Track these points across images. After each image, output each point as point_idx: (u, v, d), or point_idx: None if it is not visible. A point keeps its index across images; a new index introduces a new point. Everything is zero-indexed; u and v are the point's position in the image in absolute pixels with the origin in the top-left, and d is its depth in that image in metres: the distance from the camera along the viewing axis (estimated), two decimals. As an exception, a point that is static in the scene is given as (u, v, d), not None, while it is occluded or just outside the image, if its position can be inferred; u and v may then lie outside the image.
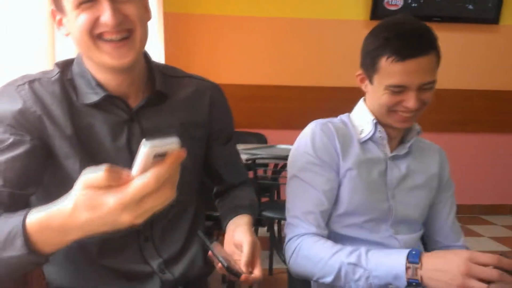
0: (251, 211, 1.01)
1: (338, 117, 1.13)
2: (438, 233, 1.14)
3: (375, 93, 1.00)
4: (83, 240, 0.86)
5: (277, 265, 2.50)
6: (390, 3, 3.24)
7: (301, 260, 0.99)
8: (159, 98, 0.92)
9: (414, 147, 1.09)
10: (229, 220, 0.97)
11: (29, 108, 0.82)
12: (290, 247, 1.02)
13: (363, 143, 1.06)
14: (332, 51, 3.35)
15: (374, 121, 1.05)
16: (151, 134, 0.89)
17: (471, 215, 3.72)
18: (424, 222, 1.13)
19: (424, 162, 1.10)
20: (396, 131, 1.06)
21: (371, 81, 1.01)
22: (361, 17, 3.31)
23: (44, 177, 0.84)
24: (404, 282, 0.85)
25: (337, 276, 0.92)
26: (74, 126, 0.84)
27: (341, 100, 3.35)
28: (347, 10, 3.32)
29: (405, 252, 0.87)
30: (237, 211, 0.99)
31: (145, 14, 0.86)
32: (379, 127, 1.05)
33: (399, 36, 0.94)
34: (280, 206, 2.41)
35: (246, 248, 0.81)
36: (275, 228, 2.68)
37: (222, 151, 1.06)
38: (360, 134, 1.07)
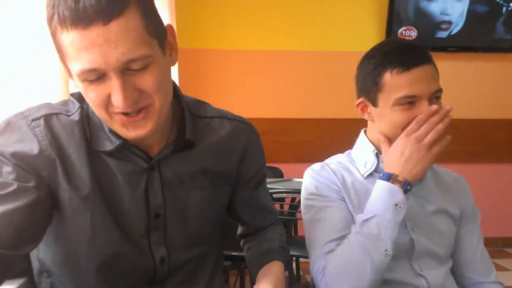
0: (282, 255, 0.93)
1: (334, 158, 1.10)
2: (467, 268, 1.05)
3: (383, 115, 0.95)
4: None
5: (296, 306, 2.38)
6: (404, 34, 3.23)
7: (331, 270, 0.91)
8: (186, 145, 0.82)
9: (428, 174, 1.03)
10: (259, 270, 0.89)
11: (44, 151, 0.72)
12: (315, 278, 0.95)
13: (369, 176, 1.01)
14: (346, 83, 3.30)
15: (375, 151, 1.01)
16: (171, 184, 0.81)
17: (494, 248, 3.55)
18: (451, 256, 1.04)
19: (441, 188, 1.04)
20: None
21: (375, 104, 0.96)
22: (375, 49, 3.31)
23: (44, 233, 0.74)
24: (400, 191, 0.89)
25: (364, 249, 0.87)
26: (89, 175, 0.74)
27: (356, 132, 3.31)
28: (361, 42, 3.31)
29: (377, 182, 0.92)
30: (266, 258, 0.91)
31: (167, 74, 0.73)
32: (381, 158, 0.99)
33: (398, 49, 0.93)
34: (297, 242, 2.32)
35: None
36: (294, 266, 2.57)
37: (250, 197, 0.96)
38: (364, 167, 1.02)
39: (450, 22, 3.23)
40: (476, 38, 3.30)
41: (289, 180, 2.64)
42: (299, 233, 2.75)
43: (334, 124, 3.33)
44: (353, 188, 1.01)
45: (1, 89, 1.29)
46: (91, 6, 0.61)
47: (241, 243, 1.04)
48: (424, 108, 0.89)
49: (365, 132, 1.08)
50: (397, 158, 0.90)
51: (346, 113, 3.32)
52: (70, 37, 0.63)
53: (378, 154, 1.01)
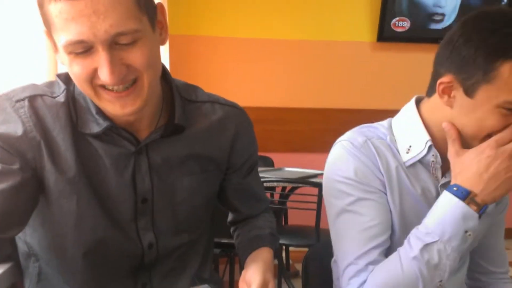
0: (272, 242, 0.92)
1: (373, 128, 0.89)
2: (484, 256, 0.97)
3: (476, 111, 0.75)
4: (77, 286, 0.79)
5: (285, 294, 2.40)
6: (397, 24, 3.22)
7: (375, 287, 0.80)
8: (175, 130, 0.80)
9: None
10: (248, 256, 0.88)
11: (28, 133, 0.70)
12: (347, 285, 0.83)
13: (410, 166, 0.84)
14: (339, 72, 3.32)
15: (429, 143, 0.82)
16: (159, 168, 0.80)
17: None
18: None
19: None
20: None
21: (470, 93, 0.74)
22: (368, 39, 3.28)
23: (30, 216, 0.73)
24: (475, 217, 0.74)
25: (418, 277, 0.75)
26: (75, 158, 0.73)
27: (348, 122, 3.30)
28: (353, 32, 3.30)
29: (447, 195, 0.76)
30: (255, 244, 0.90)
31: (156, 51, 0.71)
32: (434, 151, 0.82)
33: None
34: (288, 231, 2.34)
35: None
36: (283, 255, 2.59)
37: (242, 183, 0.94)
38: (407, 152, 0.84)
39: (443, 14, 3.22)
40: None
41: (280, 169, 2.64)
42: (289, 222, 2.76)
43: (326, 114, 3.33)
44: (397, 177, 0.84)
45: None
46: None
47: (231, 230, 1.04)
48: None
49: (417, 103, 0.86)
50: (479, 172, 0.74)
51: (338, 103, 3.32)
52: (58, 7, 0.62)
53: (432, 147, 0.82)
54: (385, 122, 0.90)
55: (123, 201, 0.78)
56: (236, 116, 0.89)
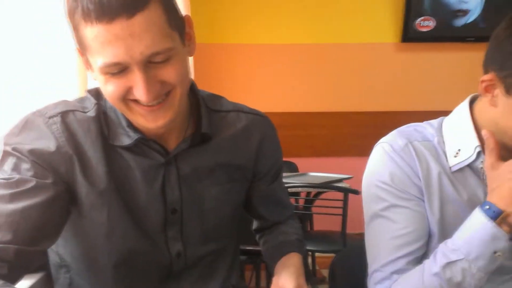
0: (299, 247, 0.92)
1: (420, 128, 0.85)
2: None
3: None
4: None
5: (312, 300, 2.37)
6: (421, 24, 3.16)
7: None
8: (203, 139, 0.81)
9: None
10: (277, 262, 0.87)
11: (61, 148, 0.72)
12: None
13: (458, 171, 0.80)
14: (363, 75, 3.28)
15: (478, 149, 0.77)
16: (188, 179, 0.81)
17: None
18: None
19: None
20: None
21: (510, 91, 0.71)
22: (392, 40, 3.23)
23: (62, 229, 0.74)
24: (505, 238, 0.70)
25: None
26: (106, 171, 0.74)
27: (372, 125, 3.27)
28: (377, 34, 3.26)
29: (478, 214, 0.71)
30: (284, 250, 0.90)
31: (187, 64, 0.72)
32: (483, 157, 0.77)
33: None
34: (313, 237, 2.31)
35: None
36: (309, 261, 2.56)
37: (267, 191, 0.94)
38: (455, 156, 0.80)
39: (467, 10, 3.15)
40: (494, 27, 3.21)
41: (304, 174, 2.62)
42: (315, 228, 2.73)
43: (349, 117, 3.30)
44: (439, 183, 0.80)
45: (19, 87, 1.30)
46: (116, 0, 0.61)
47: (257, 237, 1.04)
48: None
49: (471, 103, 0.81)
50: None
51: (360, 106, 3.28)
52: (94, 31, 0.63)
53: (480, 153, 0.78)
54: (435, 122, 0.86)
55: (153, 212, 0.79)
56: (260, 124, 0.89)
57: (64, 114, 0.74)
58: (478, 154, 0.78)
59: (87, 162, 0.74)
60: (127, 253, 0.79)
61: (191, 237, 0.84)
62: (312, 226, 2.72)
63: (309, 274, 2.41)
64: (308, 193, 2.58)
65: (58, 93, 1.36)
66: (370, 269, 0.84)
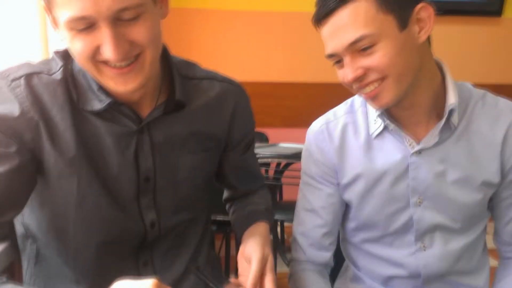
0: (267, 217, 0.93)
1: (350, 102, 0.95)
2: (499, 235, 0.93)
3: None
4: (78, 270, 0.79)
5: (281, 269, 2.43)
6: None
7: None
8: (176, 107, 0.79)
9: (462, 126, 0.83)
10: (244, 231, 0.88)
11: (26, 113, 0.68)
12: (290, 267, 1.00)
13: (378, 137, 0.87)
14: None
15: (378, 112, 0.84)
16: (161, 147, 0.79)
17: None
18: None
19: (470, 148, 0.83)
20: (414, 113, 0.82)
21: None
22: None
23: (28, 199, 0.72)
24: None
25: None
26: (75, 137, 0.71)
27: (346, 96, 3.29)
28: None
29: None
30: (252, 219, 0.91)
31: (158, 26, 0.69)
32: (385, 117, 0.84)
33: None
34: (283, 207, 2.35)
35: (253, 265, 0.74)
36: (278, 229, 2.61)
37: (239, 161, 0.95)
38: (374, 124, 0.87)
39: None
40: (465, 1, 3.26)
41: (274, 145, 2.64)
42: (284, 198, 2.78)
43: (323, 89, 3.30)
44: (358, 153, 0.89)
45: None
46: None
47: (227, 207, 1.04)
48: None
49: None
50: None
51: (333, 78, 3.29)
52: None
53: (382, 114, 0.85)
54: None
55: (126, 180, 0.78)
56: (234, 93, 0.88)
57: (28, 77, 0.70)
58: (381, 115, 0.85)
59: (54, 128, 0.70)
60: (98, 223, 0.78)
61: (165, 206, 0.83)
62: (281, 196, 2.77)
63: (278, 243, 2.46)
64: (278, 164, 2.60)
65: (20, 57, 1.30)
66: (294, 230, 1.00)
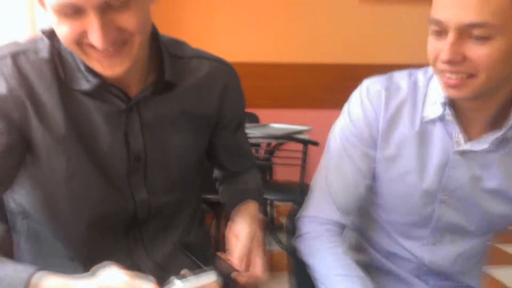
0: (257, 196, 0.94)
1: (414, 78, 0.86)
2: None
3: None
4: (70, 246, 0.80)
5: (270, 247, 2.47)
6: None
7: (305, 258, 0.88)
8: (166, 86, 0.78)
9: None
10: (234, 208, 0.90)
11: (13, 92, 0.67)
12: (300, 226, 0.91)
13: (428, 122, 0.82)
14: (326, 27, 3.26)
15: (442, 99, 0.78)
16: (151, 126, 0.79)
17: None
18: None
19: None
20: (477, 115, 0.78)
21: None
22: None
23: (15, 178, 0.72)
24: None
25: None
26: (64, 116, 0.71)
27: (335, 77, 3.30)
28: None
29: None
30: (242, 198, 0.91)
31: (148, 11, 0.68)
32: (448, 109, 0.79)
33: None
34: (273, 187, 2.37)
35: (240, 241, 0.75)
36: (268, 209, 2.65)
37: (230, 140, 0.95)
38: (431, 108, 0.82)
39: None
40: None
41: (265, 125, 2.64)
42: (275, 178, 2.80)
43: (311, 69, 3.30)
44: (403, 130, 0.84)
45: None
46: None
47: (217, 185, 1.05)
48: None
49: None
50: None
51: (323, 58, 3.29)
52: None
53: (445, 105, 0.79)
54: (428, 69, 0.85)
55: (116, 159, 0.78)
56: (223, 72, 0.88)
57: (14, 56, 0.69)
58: (444, 105, 0.79)
59: (43, 107, 0.70)
60: (89, 201, 0.78)
61: (156, 185, 0.84)
62: (272, 176, 2.79)
63: (268, 222, 2.49)
64: (269, 144, 2.61)
65: (6, 36, 1.27)
66: (313, 186, 0.93)
